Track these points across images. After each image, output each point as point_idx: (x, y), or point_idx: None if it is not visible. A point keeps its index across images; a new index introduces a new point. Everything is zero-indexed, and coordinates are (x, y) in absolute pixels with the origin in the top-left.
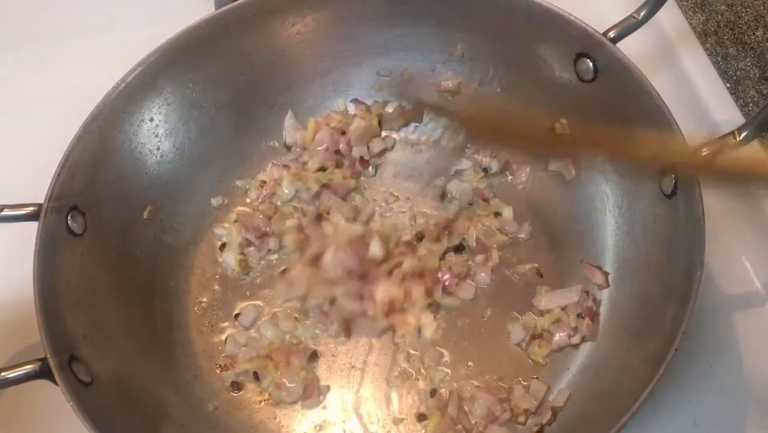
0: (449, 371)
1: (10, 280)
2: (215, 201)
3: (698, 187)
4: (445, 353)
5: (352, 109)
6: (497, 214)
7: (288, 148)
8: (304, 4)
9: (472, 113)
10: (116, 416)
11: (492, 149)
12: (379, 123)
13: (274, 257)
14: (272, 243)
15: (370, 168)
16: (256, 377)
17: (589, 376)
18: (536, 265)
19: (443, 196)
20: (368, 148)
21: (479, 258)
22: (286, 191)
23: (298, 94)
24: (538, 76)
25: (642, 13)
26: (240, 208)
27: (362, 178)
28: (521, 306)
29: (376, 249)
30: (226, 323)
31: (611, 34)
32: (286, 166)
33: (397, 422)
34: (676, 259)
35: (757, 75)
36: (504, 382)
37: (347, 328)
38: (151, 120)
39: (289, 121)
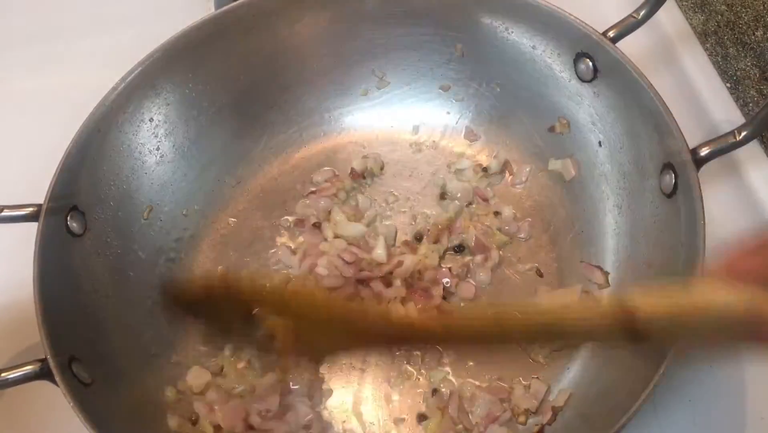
0: (449, 370)
1: (9, 280)
2: (215, 201)
3: (698, 187)
4: (445, 353)
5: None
6: (497, 213)
7: None
8: (304, 4)
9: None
10: (116, 417)
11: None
12: None
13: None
14: None
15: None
16: None
17: (590, 376)
18: (536, 265)
19: (443, 196)
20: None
21: (479, 258)
22: None
23: (298, 94)
24: (537, 75)
25: (641, 13)
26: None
27: (363, 178)
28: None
29: (380, 252)
30: None
31: (611, 33)
32: None
33: (397, 422)
34: (676, 258)
35: (757, 75)
36: (504, 382)
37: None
38: (151, 120)
39: None
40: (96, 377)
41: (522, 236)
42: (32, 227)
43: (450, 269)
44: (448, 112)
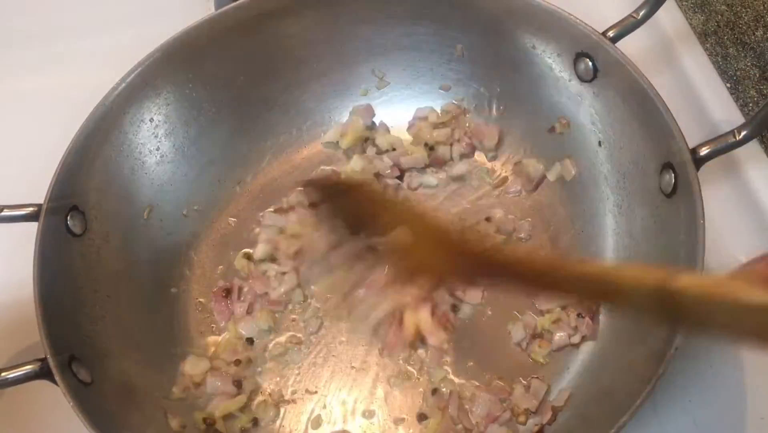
0: (450, 370)
1: (9, 280)
2: (215, 201)
3: (698, 187)
4: (446, 352)
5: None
6: (488, 219)
7: None
8: (304, 4)
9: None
10: (116, 416)
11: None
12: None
13: None
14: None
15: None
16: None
17: (590, 375)
18: None
19: None
20: None
21: None
22: None
23: (298, 94)
24: (537, 75)
25: (641, 13)
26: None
27: None
28: (521, 306)
29: None
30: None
31: (611, 33)
32: None
33: (397, 422)
34: (676, 258)
35: (757, 75)
36: (504, 381)
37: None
38: (151, 120)
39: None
40: (96, 377)
41: (522, 235)
42: (32, 227)
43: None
44: None
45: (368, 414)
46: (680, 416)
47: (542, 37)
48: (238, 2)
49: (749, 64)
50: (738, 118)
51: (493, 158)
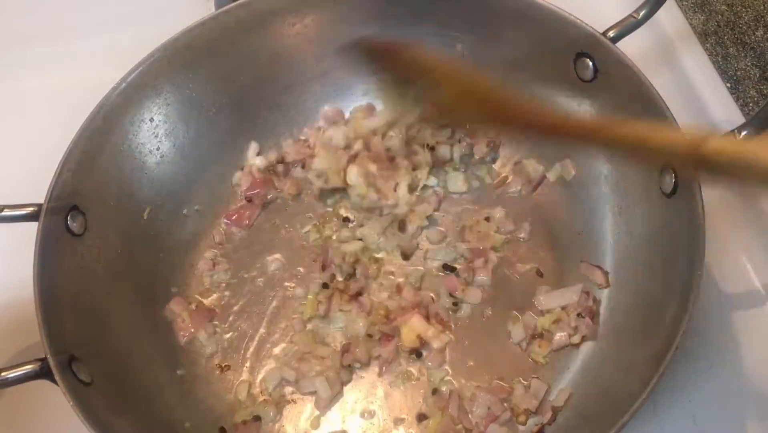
0: (449, 370)
1: (10, 280)
2: (215, 201)
3: (698, 187)
4: (446, 352)
5: None
6: (487, 219)
7: None
8: (304, 4)
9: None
10: (116, 416)
11: (480, 131)
12: None
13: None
14: None
15: None
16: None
17: (590, 375)
18: (536, 265)
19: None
20: None
21: (478, 262)
22: None
23: (297, 94)
24: (537, 75)
25: (642, 13)
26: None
27: None
28: (521, 306)
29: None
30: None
31: (611, 33)
32: None
33: (397, 422)
34: (676, 259)
35: (757, 75)
36: (504, 381)
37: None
38: (151, 120)
39: None
40: (96, 377)
41: (522, 236)
42: (32, 227)
43: (457, 273)
44: None
45: (368, 414)
46: (680, 416)
47: (543, 37)
48: (238, 2)
49: (749, 64)
50: (738, 118)
51: (493, 158)
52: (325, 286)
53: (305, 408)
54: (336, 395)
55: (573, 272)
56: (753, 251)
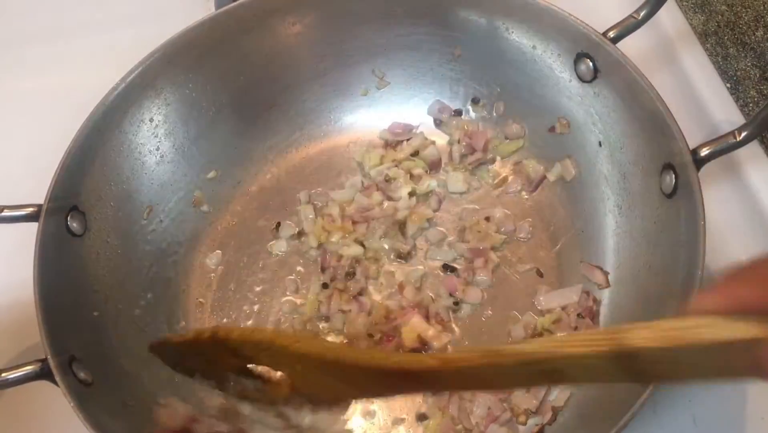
0: None
1: (10, 280)
2: (215, 201)
3: (698, 187)
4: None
5: None
6: (487, 219)
7: None
8: (304, 4)
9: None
10: (116, 417)
11: None
12: None
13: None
14: None
15: None
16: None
17: None
18: (536, 265)
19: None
20: None
21: (478, 262)
22: None
23: (297, 94)
24: (538, 75)
25: (642, 13)
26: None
27: None
28: (521, 306)
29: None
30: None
31: (611, 34)
32: None
33: (397, 422)
34: (676, 259)
35: (757, 75)
36: None
37: None
38: (151, 120)
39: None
40: (96, 377)
41: (522, 235)
42: (32, 227)
43: (457, 273)
44: None
45: (368, 414)
46: (680, 416)
47: (543, 37)
48: (238, 2)
49: (749, 64)
50: (738, 119)
51: (493, 158)
52: (324, 286)
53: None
54: None
55: (573, 272)
56: (753, 251)
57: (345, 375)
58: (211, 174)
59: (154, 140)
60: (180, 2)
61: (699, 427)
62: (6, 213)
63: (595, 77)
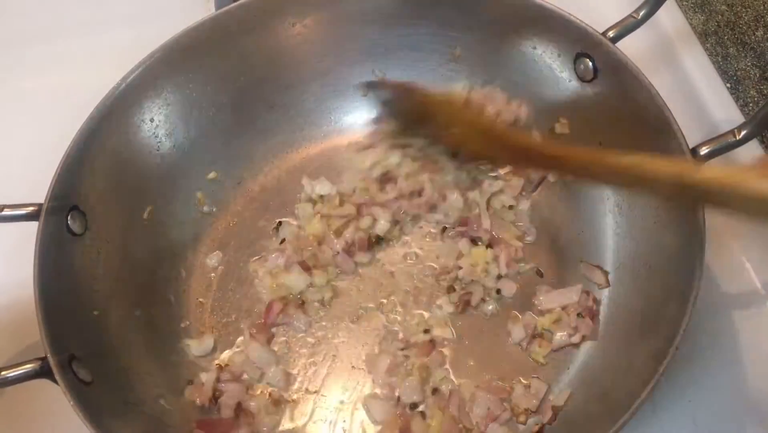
0: (450, 370)
1: (10, 280)
2: (215, 201)
3: None
4: (446, 352)
5: None
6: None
7: None
8: (304, 4)
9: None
10: (116, 416)
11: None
12: None
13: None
14: None
15: None
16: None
17: (590, 375)
18: (536, 265)
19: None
20: None
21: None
22: None
23: (297, 94)
24: (538, 75)
25: (641, 13)
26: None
27: None
28: (521, 306)
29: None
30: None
31: (611, 33)
32: None
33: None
34: (676, 259)
35: (757, 75)
36: (504, 381)
37: None
38: (151, 120)
39: None
40: (96, 376)
41: (528, 237)
42: (32, 227)
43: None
44: None
45: (368, 414)
46: (680, 416)
47: (542, 37)
48: (238, 2)
49: (749, 64)
50: (738, 118)
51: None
52: None
53: (305, 408)
54: None
55: (573, 272)
56: (753, 251)
57: (500, 144)
58: (212, 174)
59: (154, 140)
60: (180, 2)
61: (699, 427)
62: (6, 212)
63: (594, 77)
